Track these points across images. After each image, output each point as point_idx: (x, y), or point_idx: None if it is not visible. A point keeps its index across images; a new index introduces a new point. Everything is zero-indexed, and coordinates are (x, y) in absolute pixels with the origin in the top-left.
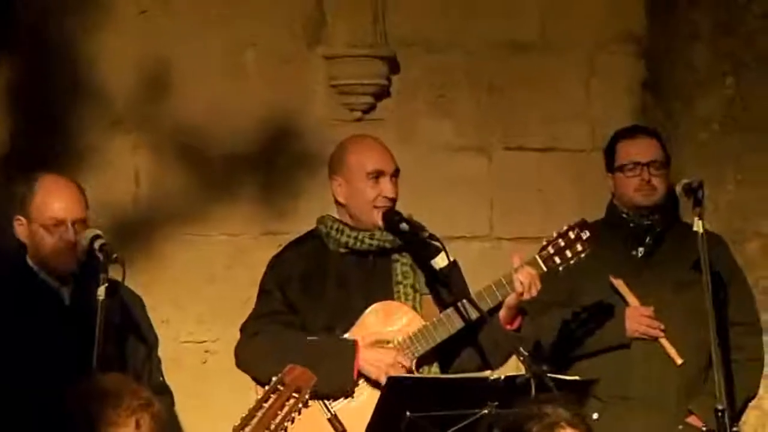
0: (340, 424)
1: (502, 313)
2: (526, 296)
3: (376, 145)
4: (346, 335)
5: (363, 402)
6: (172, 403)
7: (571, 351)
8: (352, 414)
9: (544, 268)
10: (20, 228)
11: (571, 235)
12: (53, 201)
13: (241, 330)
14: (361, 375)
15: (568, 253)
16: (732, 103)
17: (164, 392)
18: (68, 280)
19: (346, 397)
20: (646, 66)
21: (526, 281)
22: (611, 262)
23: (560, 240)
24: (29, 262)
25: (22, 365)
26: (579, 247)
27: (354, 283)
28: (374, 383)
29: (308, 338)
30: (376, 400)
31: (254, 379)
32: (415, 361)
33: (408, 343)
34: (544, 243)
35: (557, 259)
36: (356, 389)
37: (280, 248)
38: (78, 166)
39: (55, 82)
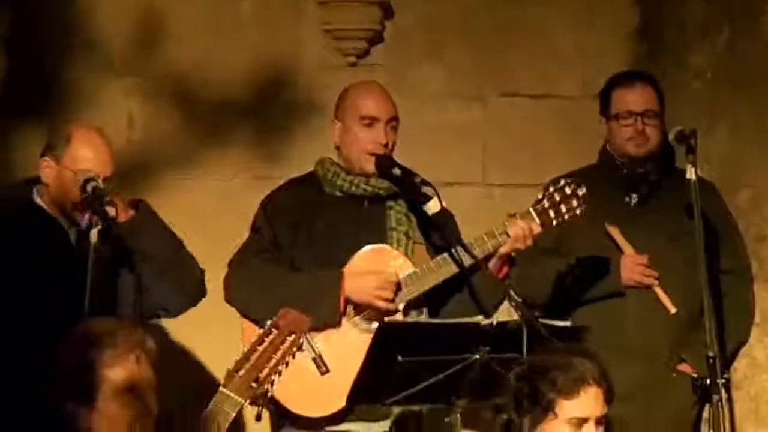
0: (324, 364)
1: (491, 261)
2: (519, 245)
3: (375, 91)
4: None
5: (348, 342)
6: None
7: (566, 299)
8: (336, 354)
9: (538, 221)
10: (47, 169)
11: (567, 190)
12: (89, 153)
13: (229, 264)
14: (348, 306)
15: (563, 209)
16: (725, 54)
17: None
18: (75, 223)
19: (333, 334)
20: (640, 15)
21: (520, 231)
22: (604, 208)
23: (556, 194)
24: (37, 200)
25: (25, 302)
26: (574, 203)
27: (346, 227)
28: (363, 325)
29: (293, 273)
30: (361, 341)
31: (240, 312)
32: (403, 305)
33: (396, 279)
34: (539, 196)
35: (551, 213)
36: (343, 328)
37: (275, 188)
38: (72, 111)
39: (48, 27)
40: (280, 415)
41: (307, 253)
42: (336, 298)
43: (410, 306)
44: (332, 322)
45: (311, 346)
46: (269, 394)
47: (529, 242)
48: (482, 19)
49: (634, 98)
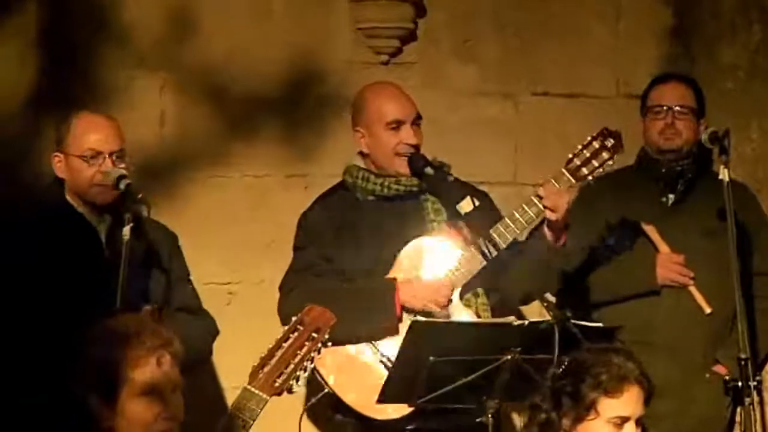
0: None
1: (547, 233)
2: (555, 215)
3: (395, 93)
4: None
5: None
6: (212, 326)
7: (601, 296)
8: None
9: (573, 181)
10: (58, 164)
11: (596, 144)
12: (90, 133)
13: (280, 288)
14: (405, 311)
15: (595, 163)
16: (758, 51)
17: (202, 315)
18: (105, 218)
19: (397, 337)
20: (674, 13)
21: (549, 201)
22: (640, 208)
23: (585, 151)
24: (67, 198)
25: (54, 299)
26: (605, 155)
27: (388, 228)
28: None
29: (346, 285)
30: None
31: None
32: (458, 291)
33: (448, 276)
34: (569, 156)
35: (584, 170)
36: (404, 328)
37: (305, 189)
38: (104, 107)
39: (80, 23)
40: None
41: (356, 259)
42: (393, 308)
43: (466, 290)
44: (391, 331)
45: (377, 350)
46: (294, 390)
47: (566, 198)
48: (515, 16)
49: (666, 93)
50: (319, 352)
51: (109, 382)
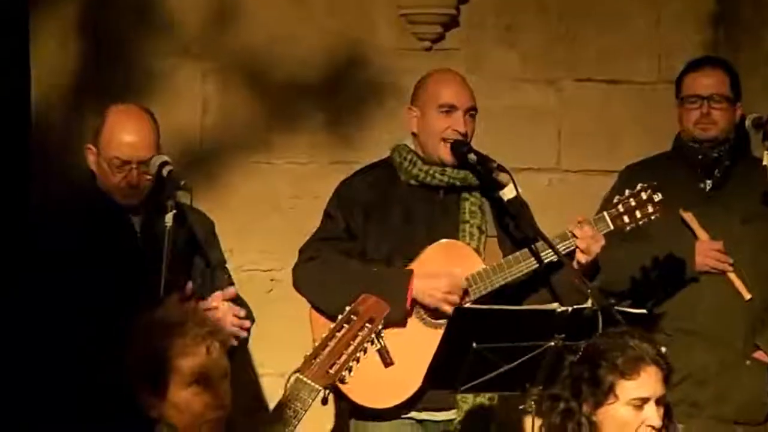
0: (389, 356)
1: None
2: (585, 258)
3: (454, 80)
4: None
5: (413, 336)
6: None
7: (640, 285)
8: (401, 348)
9: (611, 227)
10: (91, 157)
11: (643, 195)
12: (120, 138)
13: (301, 251)
14: (415, 305)
15: (638, 214)
16: None
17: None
18: (140, 210)
19: (399, 328)
20: None
21: (583, 243)
22: (678, 194)
23: (631, 200)
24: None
25: (91, 290)
26: (650, 209)
27: (420, 217)
28: (429, 319)
29: (363, 266)
30: (426, 336)
31: (306, 299)
32: (470, 303)
33: (466, 285)
34: (615, 201)
35: (626, 219)
36: (410, 322)
37: (350, 175)
38: (146, 94)
39: (124, 10)
40: (347, 406)
41: (380, 242)
42: (403, 298)
43: (478, 303)
44: (398, 320)
45: (377, 338)
46: (346, 381)
47: (599, 246)
48: (557, 2)
49: (700, 82)
50: (372, 343)
51: (157, 373)
